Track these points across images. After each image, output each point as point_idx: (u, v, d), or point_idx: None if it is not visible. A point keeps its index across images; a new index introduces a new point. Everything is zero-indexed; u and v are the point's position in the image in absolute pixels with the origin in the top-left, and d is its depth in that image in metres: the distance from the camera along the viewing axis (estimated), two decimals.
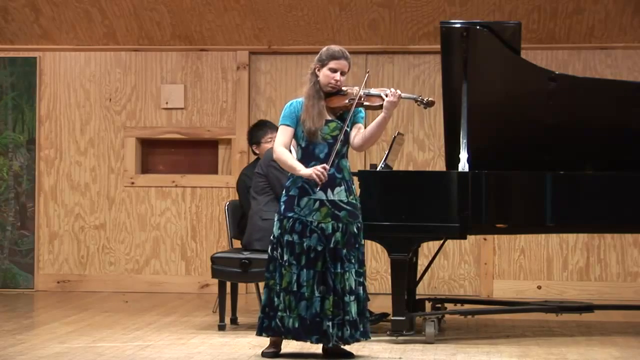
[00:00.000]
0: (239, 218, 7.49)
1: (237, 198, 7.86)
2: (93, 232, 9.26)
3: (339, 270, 5.68)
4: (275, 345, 5.88)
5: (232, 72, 9.20)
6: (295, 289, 5.68)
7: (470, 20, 8.21)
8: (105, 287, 9.20)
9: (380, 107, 5.80)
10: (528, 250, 8.93)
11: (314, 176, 5.63)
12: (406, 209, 6.42)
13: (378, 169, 6.73)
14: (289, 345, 5.98)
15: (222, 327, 6.93)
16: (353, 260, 5.73)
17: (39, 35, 9.25)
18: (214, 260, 6.99)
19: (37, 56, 9.30)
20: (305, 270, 5.67)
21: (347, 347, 5.84)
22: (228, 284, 7.11)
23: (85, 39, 9.26)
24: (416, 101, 5.97)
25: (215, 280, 7.11)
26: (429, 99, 5.96)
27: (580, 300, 8.23)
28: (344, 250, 5.70)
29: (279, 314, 5.71)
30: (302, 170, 5.69)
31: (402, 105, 8.85)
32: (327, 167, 5.65)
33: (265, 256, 6.76)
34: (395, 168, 7.22)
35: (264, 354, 5.87)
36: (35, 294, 9.10)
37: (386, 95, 5.77)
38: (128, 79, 9.30)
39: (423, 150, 9.11)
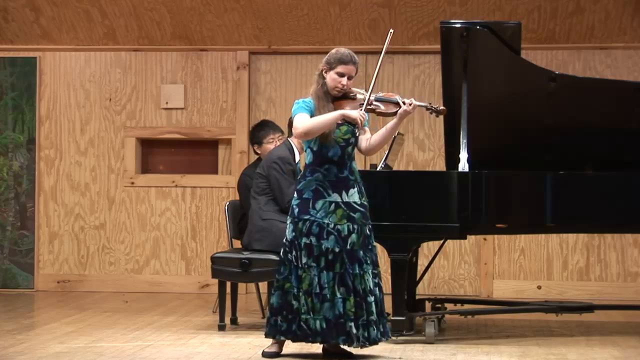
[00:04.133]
0: (239, 218, 7.49)
1: (237, 198, 7.86)
2: (93, 232, 9.26)
3: (357, 272, 5.69)
4: (277, 345, 5.88)
5: (232, 72, 9.20)
6: (317, 290, 5.67)
7: (470, 20, 8.21)
8: (105, 287, 9.20)
9: (393, 114, 5.82)
10: (528, 250, 8.93)
11: (358, 119, 5.64)
12: (406, 209, 6.42)
13: (378, 169, 6.73)
14: (290, 345, 5.98)
15: (222, 327, 6.93)
16: (369, 262, 5.74)
17: (39, 35, 9.25)
18: (214, 260, 6.99)
19: (37, 56, 9.30)
20: (325, 272, 5.68)
21: (349, 348, 5.83)
22: (228, 284, 7.11)
23: (85, 39, 9.27)
24: (427, 109, 5.98)
25: (215, 280, 7.11)
26: (440, 107, 5.99)
27: (580, 300, 8.23)
28: (361, 252, 5.72)
29: (303, 316, 5.69)
30: (342, 111, 5.68)
31: None
32: (364, 112, 5.71)
33: (265, 256, 6.81)
34: (395, 168, 7.22)
35: (264, 354, 5.87)
36: (35, 294, 9.10)
37: (403, 103, 5.79)
38: (128, 79, 9.30)
39: (423, 150, 9.11)
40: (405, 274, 6.56)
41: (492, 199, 6.45)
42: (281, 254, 5.81)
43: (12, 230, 9.29)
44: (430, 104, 6.00)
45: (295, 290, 5.71)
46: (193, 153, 9.36)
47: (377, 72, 5.84)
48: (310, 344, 5.84)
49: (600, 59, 8.93)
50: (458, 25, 6.66)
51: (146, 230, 9.23)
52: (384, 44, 5.84)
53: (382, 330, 5.75)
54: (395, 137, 6.99)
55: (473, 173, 6.45)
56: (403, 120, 5.84)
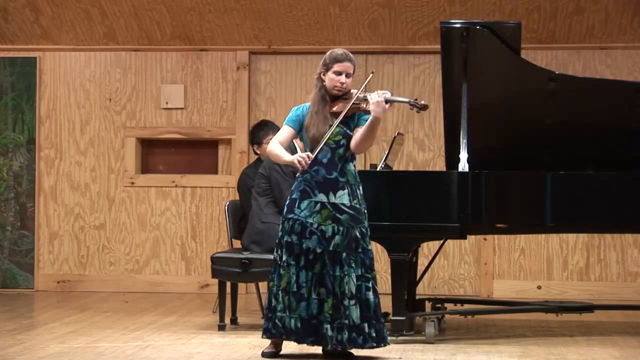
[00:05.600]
0: (239, 218, 7.49)
1: (237, 198, 7.86)
2: (93, 232, 9.26)
3: (337, 274, 5.67)
4: (276, 345, 5.88)
5: (232, 72, 9.20)
6: (295, 289, 5.69)
7: (470, 20, 8.22)
8: (105, 287, 9.20)
9: (368, 110, 5.72)
10: (528, 250, 8.93)
11: (295, 161, 5.66)
12: (406, 209, 6.42)
13: (378, 169, 6.74)
14: (289, 346, 5.98)
15: (222, 327, 6.93)
16: (354, 265, 5.70)
17: (39, 35, 9.25)
18: (214, 260, 6.99)
19: (37, 56, 9.30)
20: (304, 271, 5.69)
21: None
22: (228, 284, 7.11)
23: (85, 39, 9.26)
24: (409, 104, 5.75)
25: (215, 280, 7.11)
26: (423, 102, 5.75)
27: (580, 300, 8.23)
28: (344, 254, 5.69)
29: (278, 314, 5.71)
30: (286, 156, 5.76)
31: (402, 106, 8.83)
32: (312, 155, 5.66)
33: (265, 256, 6.82)
34: (395, 168, 7.22)
35: (264, 354, 5.88)
36: (35, 294, 9.10)
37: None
38: (128, 79, 9.30)
39: (423, 150, 9.11)
40: (405, 274, 6.56)
41: (492, 199, 6.45)
42: (274, 252, 5.84)
43: (12, 230, 9.29)
44: (416, 99, 5.76)
45: (275, 289, 5.73)
46: (193, 153, 9.36)
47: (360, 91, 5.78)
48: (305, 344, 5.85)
49: (600, 59, 8.93)
50: (458, 25, 6.66)
51: (146, 230, 9.23)
52: (364, 83, 5.77)
53: (365, 336, 5.68)
54: (395, 137, 7.00)
55: (473, 173, 6.45)
56: (381, 115, 5.60)
